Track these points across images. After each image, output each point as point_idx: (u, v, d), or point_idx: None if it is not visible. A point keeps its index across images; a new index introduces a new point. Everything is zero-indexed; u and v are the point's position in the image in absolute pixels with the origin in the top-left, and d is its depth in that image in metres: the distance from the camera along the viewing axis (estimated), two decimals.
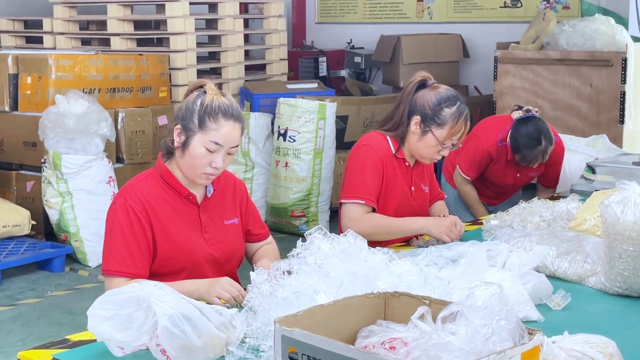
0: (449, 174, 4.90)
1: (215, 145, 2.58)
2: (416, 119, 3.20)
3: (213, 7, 7.52)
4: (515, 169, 4.63)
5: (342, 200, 3.24)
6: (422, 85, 3.26)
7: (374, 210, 3.23)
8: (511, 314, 1.66)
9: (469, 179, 4.71)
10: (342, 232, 3.16)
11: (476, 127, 4.74)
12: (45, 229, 6.01)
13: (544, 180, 4.79)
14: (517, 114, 4.57)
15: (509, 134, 4.52)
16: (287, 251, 6.45)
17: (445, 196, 3.65)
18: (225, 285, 2.49)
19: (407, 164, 3.32)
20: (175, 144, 2.63)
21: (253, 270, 2.35)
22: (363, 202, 3.18)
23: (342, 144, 6.74)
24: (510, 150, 4.51)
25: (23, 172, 6.20)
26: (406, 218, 3.23)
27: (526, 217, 3.31)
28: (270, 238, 2.94)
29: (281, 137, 6.39)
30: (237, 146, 2.64)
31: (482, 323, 1.64)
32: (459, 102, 3.20)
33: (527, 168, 4.57)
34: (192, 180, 2.65)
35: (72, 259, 5.76)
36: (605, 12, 7.38)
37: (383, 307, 1.95)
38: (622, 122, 6.50)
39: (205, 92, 2.63)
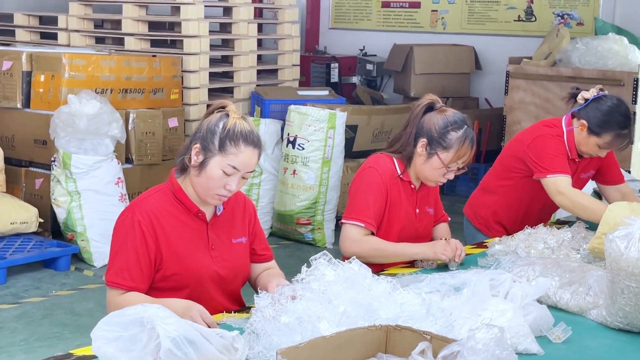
0: (473, 214, 4.10)
1: (233, 169, 2.61)
2: (422, 141, 3.24)
3: (228, 11, 7.54)
4: (584, 168, 3.87)
5: (343, 221, 3.28)
6: (430, 108, 3.29)
7: (373, 234, 3.26)
8: (510, 358, 1.68)
9: (567, 176, 3.67)
10: (341, 251, 3.22)
11: (520, 135, 3.96)
12: (52, 227, 6.04)
13: (609, 177, 4.03)
14: (587, 94, 3.74)
15: (591, 114, 3.69)
16: (291, 258, 6.46)
17: (449, 219, 3.66)
18: (195, 317, 2.41)
19: (412, 186, 3.35)
20: (192, 162, 2.65)
21: (257, 293, 2.37)
22: (362, 224, 3.21)
23: (351, 153, 6.76)
24: (590, 134, 3.69)
25: (32, 169, 6.23)
26: (403, 243, 3.26)
27: (531, 243, 3.32)
28: (274, 262, 2.95)
29: (290, 145, 6.41)
30: (252, 171, 2.67)
31: None
32: (465, 126, 3.23)
33: (581, 169, 3.89)
34: (204, 199, 2.68)
35: (78, 258, 5.80)
36: (620, 30, 7.38)
37: (384, 340, 1.97)
38: (631, 142, 6.50)
39: (227, 114, 2.65)
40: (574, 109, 3.80)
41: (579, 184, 3.94)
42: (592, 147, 3.76)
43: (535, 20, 8.52)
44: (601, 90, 3.78)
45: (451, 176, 3.28)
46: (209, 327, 2.34)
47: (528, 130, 3.97)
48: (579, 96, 3.78)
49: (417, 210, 3.38)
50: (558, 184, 3.67)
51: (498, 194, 3.99)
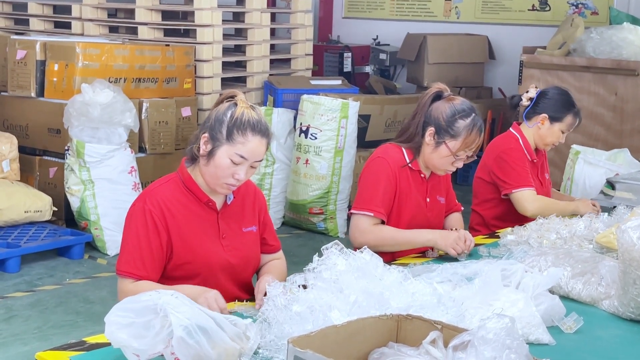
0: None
1: (241, 158, 2.61)
2: (430, 130, 3.24)
3: (241, 0, 7.55)
4: (539, 170, 4.09)
5: (352, 211, 3.28)
6: (438, 97, 3.29)
7: (383, 223, 3.25)
8: (521, 347, 1.68)
9: (532, 188, 3.88)
10: (351, 242, 3.22)
11: (489, 150, 4.09)
12: (66, 216, 6.07)
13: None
14: (530, 94, 4.05)
15: (546, 106, 3.98)
16: (304, 247, 6.45)
17: (462, 208, 3.66)
18: (210, 299, 2.45)
19: (422, 175, 3.35)
20: (201, 151, 2.66)
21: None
22: (372, 214, 3.22)
23: (364, 142, 6.76)
24: (552, 123, 3.96)
25: (46, 158, 6.26)
26: (413, 230, 3.26)
27: (543, 233, 3.32)
28: (281, 253, 2.96)
29: (303, 134, 6.42)
30: (261, 160, 2.67)
31: (492, 355, 1.66)
32: (473, 114, 3.23)
33: (543, 166, 4.15)
34: (213, 188, 2.69)
35: (92, 246, 5.82)
36: (634, 20, 7.34)
37: (395, 329, 1.98)
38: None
39: (236, 104, 2.66)
40: (524, 111, 4.06)
41: (545, 186, 4.11)
42: (557, 136, 4.02)
43: (550, 9, 8.48)
44: (536, 87, 4.11)
45: (460, 164, 3.28)
46: (222, 312, 2.36)
47: (489, 148, 4.11)
48: (523, 99, 4.08)
49: (428, 200, 3.38)
50: (525, 198, 3.85)
51: (485, 216, 4.05)
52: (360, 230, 3.22)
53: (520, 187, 3.86)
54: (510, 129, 4.09)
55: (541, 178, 4.08)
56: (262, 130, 2.64)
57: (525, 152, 3.99)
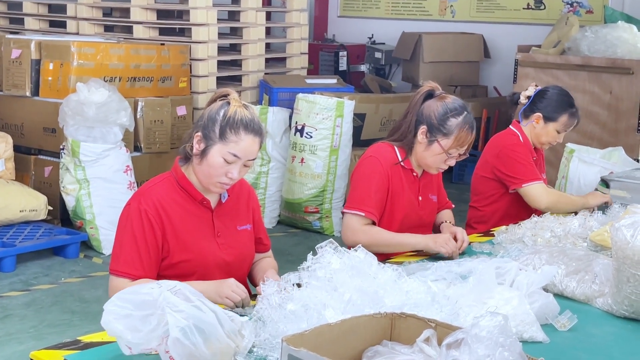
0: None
1: (234, 157, 2.62)
2: (423, 128, 3.25)
3: None
4: (540, 168, 4.14)
5: (344, 210, 3.29)
6: (430, 95, 3.30)
7: (374, 223, 3.26)
8: (514, 345, 1.69)
9: (541, 181, 3.94)
10: (343, 241, 3.23)
11: (489, 147, 4.10)
12: (61, 215, 6.06)
13: None
14: (528, 92, 4.05)
15: (541, 105, 3.99)
16: (299, 246, 6.45)
17: (453, 205, 3.67)
18: (233, 286, 2.53)
19: (414, 174, 3.36)
20: (194, 150, 2.67)
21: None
22: (363, 214, 3.22)
23: (359, 141, 6.77)
24: (547, 123, 3.98)
25: (42, 157, 6.25)
26: (404, 234, 3.26)
27: (537, 231, 3.33)
28: (271, 252, 3.00)
29: (298, 133, 6.42)
30: (254, 159, 2.68)
31: (486, 353, 1.67)
32: (465, 112, 3.25)
33: (541, 166, 4.17)
34: (207, 187, 2.70)
35: (87, 245, 5.82)
36: (629, 19, 7.35)
37: (389, 327, 1.98)
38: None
39: (228, 102, 2.66)
40: (521, 110, 4.06)
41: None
42: (552, 135, 4.04)
43: (545, 8, 8.49)
44: (536, 86, 4.10)
45: (452, 162, 3.29)
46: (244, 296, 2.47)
47: (490, 146, 4.13)
48: (521, 97, 4.09)
49: (420, 198, 3.39)
50: (537, 191, 3.89)
51: (486, 213, 4.07)
52: (352, 230, 3.23)
53: (530, 181, 3.90)
54: (510, 126, 4.11)
55: None
56: (255, 129, 2.64)
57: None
